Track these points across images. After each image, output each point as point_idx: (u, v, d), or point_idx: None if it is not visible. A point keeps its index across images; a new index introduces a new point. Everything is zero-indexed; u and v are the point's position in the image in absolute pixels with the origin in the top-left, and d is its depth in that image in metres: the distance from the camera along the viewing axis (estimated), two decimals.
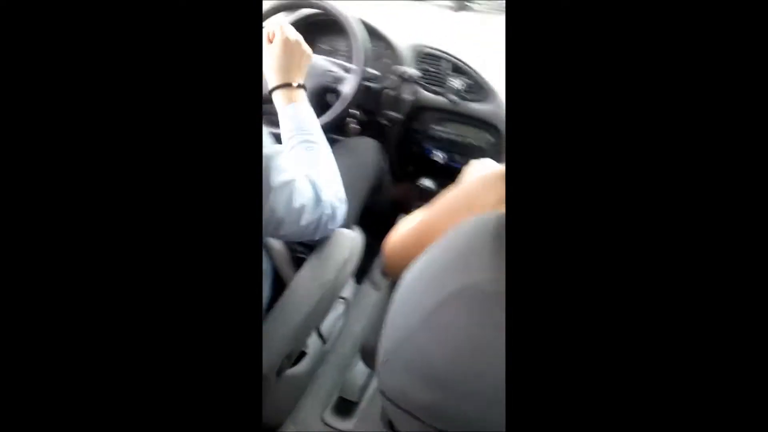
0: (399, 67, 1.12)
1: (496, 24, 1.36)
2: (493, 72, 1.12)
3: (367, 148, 1.12)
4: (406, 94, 1.13)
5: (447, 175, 1.02)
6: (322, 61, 1.05)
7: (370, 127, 1.15)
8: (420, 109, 1.17)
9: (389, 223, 1.12)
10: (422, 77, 1.16)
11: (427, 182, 1.15)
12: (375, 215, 1.07)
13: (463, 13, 1.11)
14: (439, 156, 1.19)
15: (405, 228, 0.63)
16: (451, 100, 1.13)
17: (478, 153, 1.13)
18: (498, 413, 0.30)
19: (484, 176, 0.59)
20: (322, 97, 1.05)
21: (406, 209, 1.18)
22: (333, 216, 0.72)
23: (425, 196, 1.11)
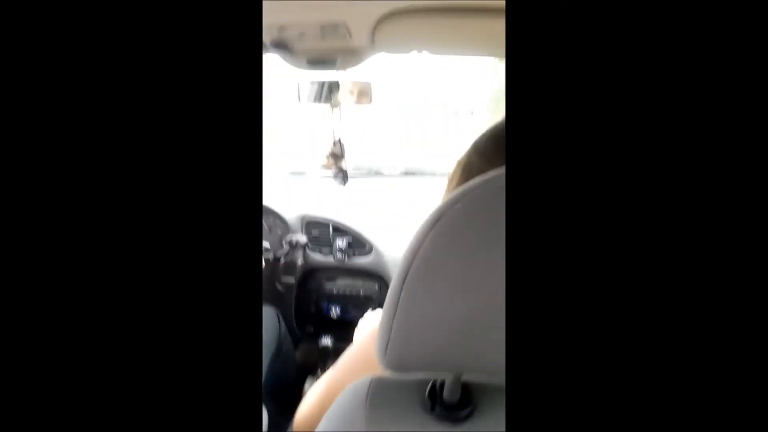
0: (289, 235, 1.23)
1: (370, 187, 1.59)
2: (370, 229, 1.28)
3: (265, 317, 1.14)
4: (298, 259, 1.23)
5: (344, 329, 1.08)
6: None
7: (266, 295, 1.20)
8: (311, 271, 1.27)
9: (296, 390, 1.11)
10: (310, 242, 1.27)
11: (326, 340, 1.19)
12: (280, 383, 1.05)
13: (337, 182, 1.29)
14: (334, 312, 1.26)
15: (310, 399, 0.64)
16: (337, 259, 1.25)
17: (369, 302, 1.22)
18: None
19: (374, 332, 0.65)
20: None
21: (312, 371, 1.18)
22: None
23: (327, 355, 1.14)
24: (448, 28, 0.67)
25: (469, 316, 0.32)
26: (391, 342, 0.33)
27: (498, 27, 0.65)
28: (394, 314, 0.33)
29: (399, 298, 0.32)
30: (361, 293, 1.25)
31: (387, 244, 1.25)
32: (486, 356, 0.33)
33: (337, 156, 1.10)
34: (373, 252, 1.25)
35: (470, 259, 0.31)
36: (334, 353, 1.02)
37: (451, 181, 0.53)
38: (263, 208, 1.26)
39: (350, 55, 0.77)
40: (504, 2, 0.62)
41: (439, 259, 0.31)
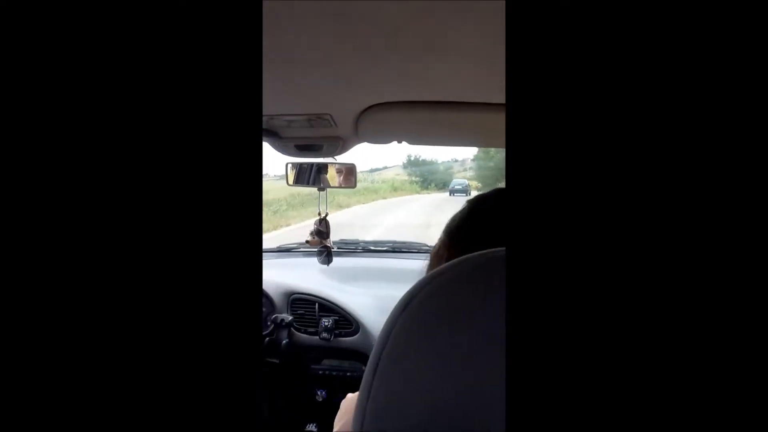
0: (274, 315, 1.22)
1: (360, 262, 1.60)
2: (357, 307, 1.27)
3: None
4: (283, 339, 1.21)
5: (331, 414, 1.03)
6: None
7: None
8: (297, 351, 1.23)
9: None
10: (296, 320, 1.26)
11: (312, 427, 1.13)
12: None
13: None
14: (320, 395, 1.21)
15: None
16: (323, 338, 1.22)
17: (355, 384, 1.18)
18: None
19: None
20: None
21: None
22: None
23: None
24: (425, 121, 0.72)
25: (445, 401, 0.32)
26: (365, 426, 0.33)
27: (474, 120, 0.71)
28: (368, 397, 0.32)
29: (373, 381, 0.32)
30: (348, 375, 1.21)
31: (375, 323, 1.23)
32: None
33: (322, 233, 1.12)
34: (360, 332, 1.22)
35: (441, 342, 0.31)
36: None
37: (429, 266, 0.54)
38: None
39: (336, 143, 0.82)
40: (477, 96, 0.67)
41: (411, 342, 0.32)
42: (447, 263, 0.33)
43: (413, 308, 0.32)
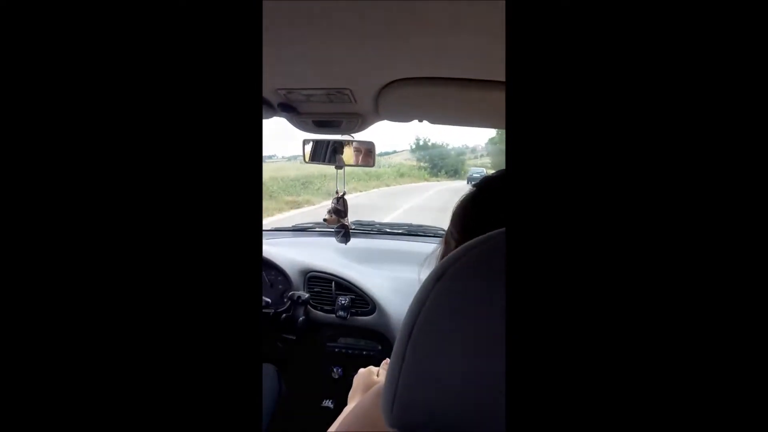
0: (291, 291, 1.23)
1: (376, 244, 1.60)
2: (373, 287, 1.28)
3: (264, 376, 1.12)
4: (299, 316, 1.22)
5: (346, 390, 1.04)
6: None
7: (266, 352, 1.17)
8: (313, 329, 1.25)
9: None
10: (312, 298, 1.27)
11: (328, 403, 1.15)
12: None
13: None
14: (336, 372, 1.22)
15: None
16: (339, 316, 1.23)
17: (371, 363, 1.19)
18: None
19: (374, 392, 0.63)
20: None
21: None
22: None
23: (328, 417, 1.09)
24: (447, 98, 0.71)
25: (479, 373, 0.31)
26: (397, 400, 0.32)
27: (496, 98, 0.69)
28: (400, 371, 0.32)
29: (405, 354, 0.32)
30: (363, 353, 1.23)
31: (391, 303, 1.23)
32: (501, 416, 0.32)
33: (339, 212, 1.12)
34: (376, 311, 1.23)
35: (475, 315, 0.31)
36: (336, 417, 0.98)
37: (441, 254, 0.54)
38: (265, 262, 1.26)
39: (355, 120, 0.81)
40: (501, 75, 0.65)
41: (444, 315, 0.31)
42: (476, 239, 0.33)
43: (446, 281, 0.31)
